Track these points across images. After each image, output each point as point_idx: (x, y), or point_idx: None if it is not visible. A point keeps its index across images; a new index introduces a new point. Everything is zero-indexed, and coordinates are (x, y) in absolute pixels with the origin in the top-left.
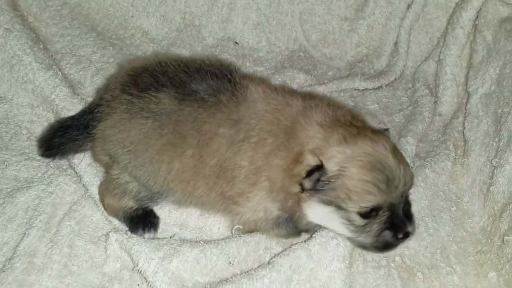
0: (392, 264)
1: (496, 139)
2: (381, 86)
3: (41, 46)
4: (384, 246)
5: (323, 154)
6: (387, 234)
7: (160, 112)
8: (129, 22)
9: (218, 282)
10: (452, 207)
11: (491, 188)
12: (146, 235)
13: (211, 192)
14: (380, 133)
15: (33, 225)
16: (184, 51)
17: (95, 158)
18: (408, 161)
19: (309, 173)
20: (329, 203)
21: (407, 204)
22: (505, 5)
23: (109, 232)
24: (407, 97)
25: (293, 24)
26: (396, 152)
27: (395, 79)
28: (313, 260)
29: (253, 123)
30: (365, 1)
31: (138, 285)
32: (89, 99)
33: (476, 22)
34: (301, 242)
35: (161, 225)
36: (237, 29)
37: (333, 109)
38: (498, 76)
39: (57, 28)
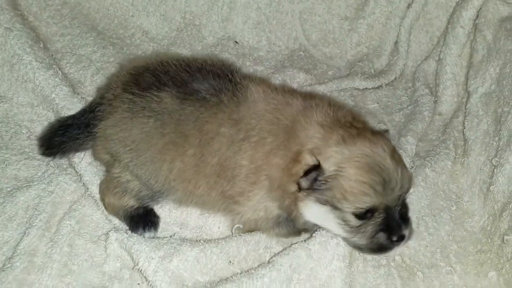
0: (392, 264)
1: (496, 138)
2: (381, 86)
3: (41, 45)
4: (379, 248)
5: (321, 154)
6: (382, 236)
7: (162, 111)
8: (129, 21)
9: (218, 281)
10: (452, 206)
11: (491, 188)
12: (146, 234)
13: (212, 191)
14: (380, 135)
15: (33, 224)
16: (184, 51)
17: (96, 156)
18: (408, 160)
19: (307, 173)
20: (325, 202)
21: (404, 207)
22: (506, 4)
23: (109, 231)
24: (407, 96)
25: (293, 23)
26: (394, 155)
27: (395, 78)
28: (313, 260)
29: (253, 123)
30: (365, 0)
31: (138, 284)
32: (89, 98)
33: (477, 21)
34: (301, 241)
35: (161, 224)
36: (237, 29)
37: (334, 110)
38: (498, 75)
39: (57, 27)
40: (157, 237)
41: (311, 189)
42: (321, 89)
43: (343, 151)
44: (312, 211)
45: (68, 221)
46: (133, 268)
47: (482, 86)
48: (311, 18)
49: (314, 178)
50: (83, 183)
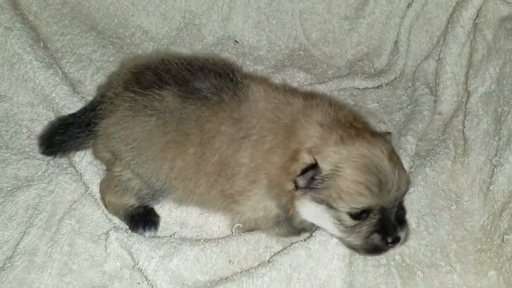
0: (392, 263)
1: (496, 138)
2: (381, 85)
3: (42, 45)
4: (373, 249)
5: (319, 153)
6: (376, 237)
7: (163, 110)
8: (129, 21)
9: (218, 281)
10: (452, 206)
11: (491, 187)
12: (147, 234)
13: (212, 190)
14: (379, 136)
15: (33, 224)
16: (184, 50)
17: (97, 155)
18: (408, 159)
19: (304, 171)
20: (321, 201)
21: (401, 209)
22: (505, 4)
23: (110, 230)
24: (407, 96)
25: (293, 22)
26: (392, 157)
27: (395, 78)
28: (313, 259)
29: (254, 122)
30: (365, 0)
31: (139, 283)
32: (90, 98)
33: (476, 21)
34: (301, 240)
35: (162, 224)
36: (237, 28)
37: (334, 109)
38: (498, 75)
39: (57, 26)
40: (157, 237)
41: (308, 188)
42: (321, 88)
43: (341, 151)
44: (308, 209)
45: (68, 220)
46: (133, 267)
47: (482, 86)
48: (311, 17)
49: (311, 177)
50: (84, 182)
